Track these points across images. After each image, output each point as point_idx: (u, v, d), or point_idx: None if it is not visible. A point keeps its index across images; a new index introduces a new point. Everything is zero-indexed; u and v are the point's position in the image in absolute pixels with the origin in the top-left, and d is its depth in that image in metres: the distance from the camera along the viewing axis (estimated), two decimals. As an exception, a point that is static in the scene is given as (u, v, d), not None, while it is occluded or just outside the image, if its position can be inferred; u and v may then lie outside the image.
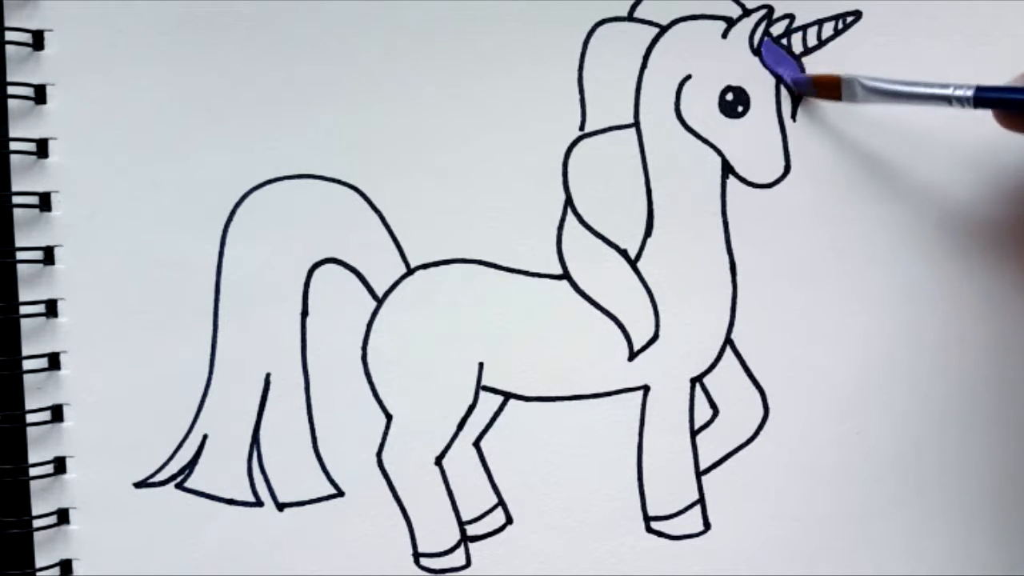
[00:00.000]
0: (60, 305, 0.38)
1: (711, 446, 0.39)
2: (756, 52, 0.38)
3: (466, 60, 0.38)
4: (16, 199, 0.38)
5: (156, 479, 0.39)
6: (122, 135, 0.38)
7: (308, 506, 0.39)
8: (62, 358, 0.38)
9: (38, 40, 0.38)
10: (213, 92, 0.38)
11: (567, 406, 0.39)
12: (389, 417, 0.39)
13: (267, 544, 0.39)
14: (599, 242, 0.39)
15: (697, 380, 0.39)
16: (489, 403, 0.39)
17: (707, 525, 0.39)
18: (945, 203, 0.39)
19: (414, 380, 0.39)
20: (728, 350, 0.39)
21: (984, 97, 0.34)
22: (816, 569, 0.39)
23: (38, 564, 0.38)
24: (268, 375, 0.39)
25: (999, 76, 0.36)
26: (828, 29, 0.38)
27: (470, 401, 0.39)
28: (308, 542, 0.39)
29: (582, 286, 0.39)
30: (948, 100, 0.34)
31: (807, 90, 0.38)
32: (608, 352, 0.39)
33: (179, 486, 0.39)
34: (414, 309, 0.39)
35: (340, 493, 0.39)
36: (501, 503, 0.39)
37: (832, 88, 0.37)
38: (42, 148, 0.38)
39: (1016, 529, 0.39)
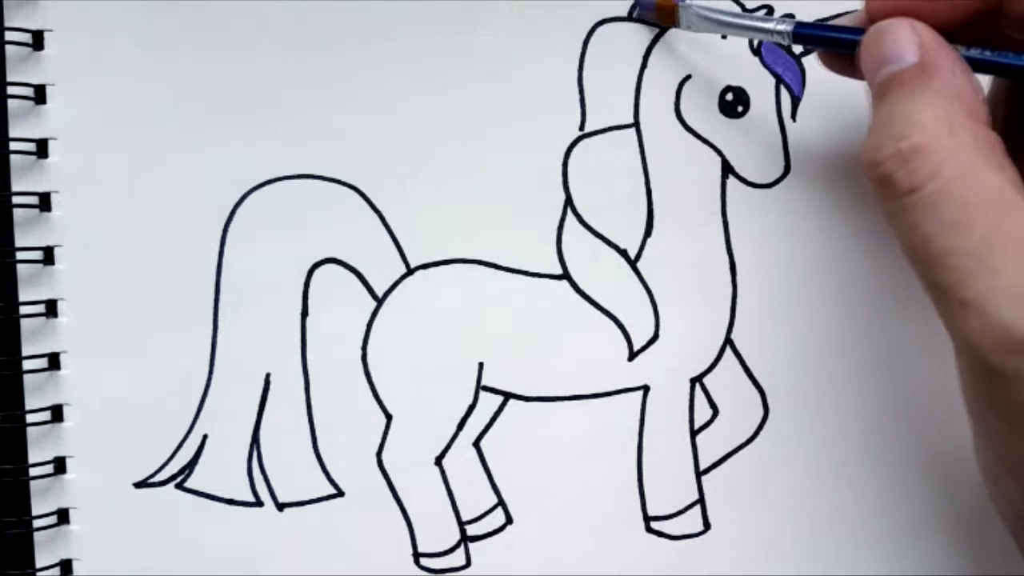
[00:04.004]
0: (60, 305, 0.38)
1: (711, 446, 0.39)
2: (756, 52, 0.38)
3: (466, 60, 0.38)
4: (16, 199, 0.38)
5: (156, 479, 0.39)
6: (122, 135, 0.38)
7: (308, 506, 0.39)
8: (62, 358, 0.38)
9: (38, 40, 0.38)
10: (213, 92, 0.38)
11: (567, 406, 0.39)
12: (389, 417, 0.39)
13: (267, 544, 0.39)
14: (599, 242, 0.39)
15: (697, 380, 0.39)
16: (489, 403, 0.39)
17: (707, 525, 0.39)
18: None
19: (414, 380, 0.39)
20: (728, 350, 0.39)
21: (802, 34, 0.34)
22: (816, 569, 0.39)
23: (38, 564, 0.38)
24: (268, 375, 0.39)
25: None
26: (828, 29, 0.38)
27: (470, 401, 0.39)
28: (308, 542, 0.39)
29: (582, 286, 0.39)
30: (770, 33, 0.35)
31: (648, 14, 0.38)
32: (608, 352, 0.39)
33: (179, 486, 0.39)
34: (414, 309, 0.39)
35: (340, 493, 0.39)
36: (501, 503, 0.39)
37: (670, 14, 0.37)
38: (42, 148, 0.38)
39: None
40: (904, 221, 0.29)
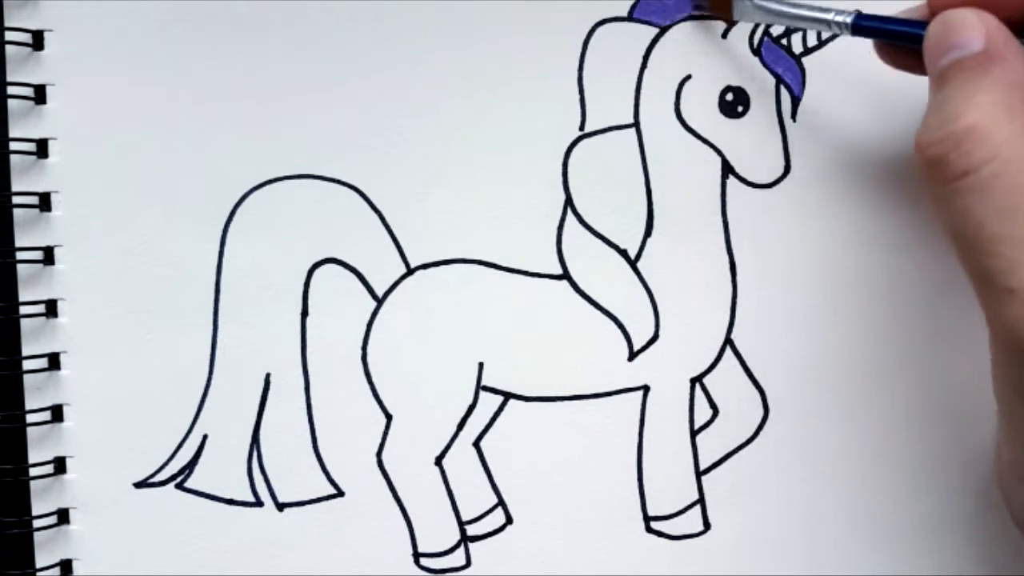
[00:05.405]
0: (60, 305, 0.38)
1: (711, 446, 0.39)
2: (756, 52, 0.38)
3: (466, 60, 0.38)
4: (16, 199, 0.38)
5: (156, 479, 0.39)
6: (122, 135, 0.38)
7: (308, 506, 0.39)
8: (62, 358, 0.38)
9: (38, 40, 0.38)
10: (213, 92, 0.38)
11: (567, 406, 0.39)
12: (389, 417, 0.39)
13: (267, 544, 0.39)
14: (599, 242, 0.39)
15: (697, 380, 0.39)
16: (489, 403, 0.39)
17: (707, 525, 0.39)
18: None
19: (414, 380, 0.39)
20: (728, 350, 0.39)
21: (863, 25, 0.34)
22: (816, 569, 0.39)
23: (38, 564, 0.38)
24: (268, 375, 0.39)
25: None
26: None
27: (470, 401, 0.39)
28: (308, 542, 0.39)
29: (582, 286, 0.39)
30: (828, 24, 0.34)
31: (703, 7, 0.38)
32: (608, 352, 0.39)
33: (179, 486, 0.39)
34: (414, 309, 0.39)
35: (340, 493, 0.39)
36: (501, 503, 0.39)
37: (725, 6, 0.36)
38: (42, 148, 0.38)
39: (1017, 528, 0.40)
40: (954, 206, 0.28)
